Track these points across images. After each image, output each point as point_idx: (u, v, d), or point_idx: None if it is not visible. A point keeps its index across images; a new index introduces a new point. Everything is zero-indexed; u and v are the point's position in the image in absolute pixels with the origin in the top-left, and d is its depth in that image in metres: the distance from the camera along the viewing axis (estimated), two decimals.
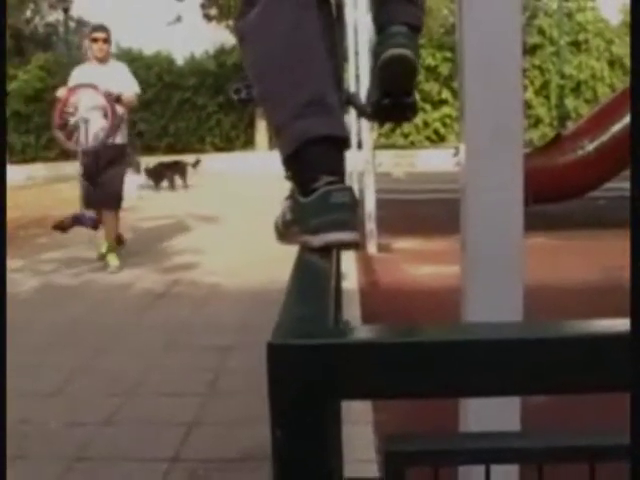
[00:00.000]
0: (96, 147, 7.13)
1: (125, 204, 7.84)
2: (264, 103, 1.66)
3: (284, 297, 0.99)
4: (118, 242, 7.78)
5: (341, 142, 1.54)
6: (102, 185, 7.25)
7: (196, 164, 17.18)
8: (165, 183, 16.61)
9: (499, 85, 1.18)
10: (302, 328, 0.79)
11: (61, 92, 7.40)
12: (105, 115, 7.12)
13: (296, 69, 1.55)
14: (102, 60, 7.40)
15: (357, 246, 1.49)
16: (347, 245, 1.45)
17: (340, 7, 1.90)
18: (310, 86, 1.54)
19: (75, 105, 7.29)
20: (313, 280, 1.13)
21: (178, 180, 16.55)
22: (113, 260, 7.37)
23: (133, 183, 14.35)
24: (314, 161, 1.49)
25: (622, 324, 0.69)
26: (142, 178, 16.11)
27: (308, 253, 1.39)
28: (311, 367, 0.68)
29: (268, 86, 1.61)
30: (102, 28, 7.59)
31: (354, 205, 1.46)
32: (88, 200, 7.25)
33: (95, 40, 7.40)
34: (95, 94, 7.08)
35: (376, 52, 1.79)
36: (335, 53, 1.83)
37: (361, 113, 1.99)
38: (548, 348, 0.68)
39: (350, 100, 1.96)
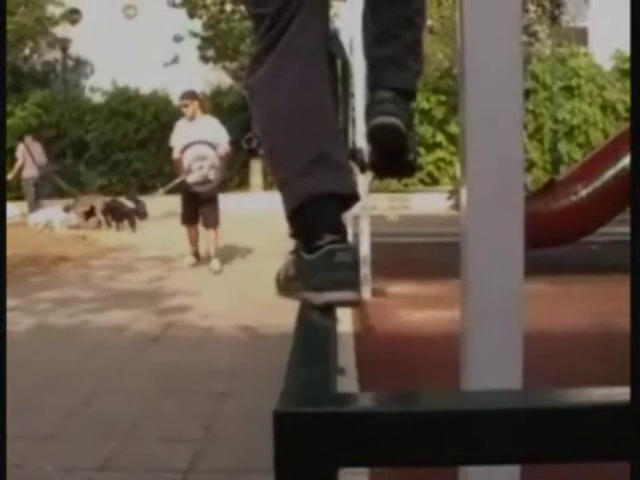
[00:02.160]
0: (200, 184, 9.63)
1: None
2: (270, 158, 1.70)
3: (288, 358, 1.01)
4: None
5: (346, 199, 1.58)
6: (204, 209, 9.80)
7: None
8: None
9: (500, 132, 1.20)
10: (307, 396, 0.81)
11: (177, 154, 9.92)
12: (211, 164, 9.63)
13: (303, 125, 1.59)
14: (190, 118, 9.73)
15: (358, 305, 1.53)
16: (348, 304, 1.48)
17: (346, 65, 1.92)
18: (316, 143, 1.58)
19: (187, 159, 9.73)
20: (316, 342, 1.15)
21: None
22: (216, 264, 9.77)
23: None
24: (318, 218, 1.53)
25: (620, 393, 0.71)
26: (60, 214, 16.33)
27: (309, 310, 1.41)
28: (316, 435, 0.70)
29: (275, 142, 1.65)
30: (185, 95, 9.94)
31: (356, 265, 1.50)
32: (189, 218, 9.94)
33: (181, 106, 9.94)
34: (204, 147, 9.60)
35: (365, 117, 1.80)
36: (341, 110, 1.86)
37: (363, 169, 2.00)
38: (547, 417, 0.70)
39: (353, 155, 1.97)
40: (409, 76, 1.81)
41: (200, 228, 10.09)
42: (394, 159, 1.86)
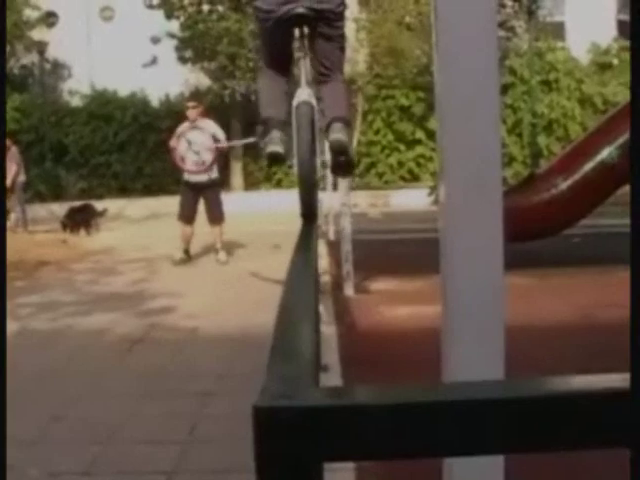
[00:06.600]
0: (199, 174, 10.47)
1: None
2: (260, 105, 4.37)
3: (269, 353, 1.00)
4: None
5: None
6: (209, 207, 10.52)
7: (103, 212, 16.52)
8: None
9: (477, 126, 1.20)
10: (288, 391, 0.80)
11: (172, 142, 10.71)
12: (208, 151, 10.42)
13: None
14: (192, 121, 10.61)
15: (280, 156, 4.01)
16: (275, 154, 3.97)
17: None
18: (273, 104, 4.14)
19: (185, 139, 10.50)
20: (297, 337, 1.15)
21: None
22: (223, 255, 10.57)
23: None
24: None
25: (607, 380, 0.71)
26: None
27: (291, 302, 1.41)
28: (297, 429, 0.69)
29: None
30: (192, 99, 12.26)
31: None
32: (187, 216, 10.47)
33: (187, 108, 10.91)
34: (203, 136, 10.41)
35: (325, 135, 4.03)
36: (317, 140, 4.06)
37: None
38: (529, 407, 0.70)
39: (334, 166, 4.42)
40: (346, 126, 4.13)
41: (195, 225, 10.63)
42: (342, 158, 4.12)
